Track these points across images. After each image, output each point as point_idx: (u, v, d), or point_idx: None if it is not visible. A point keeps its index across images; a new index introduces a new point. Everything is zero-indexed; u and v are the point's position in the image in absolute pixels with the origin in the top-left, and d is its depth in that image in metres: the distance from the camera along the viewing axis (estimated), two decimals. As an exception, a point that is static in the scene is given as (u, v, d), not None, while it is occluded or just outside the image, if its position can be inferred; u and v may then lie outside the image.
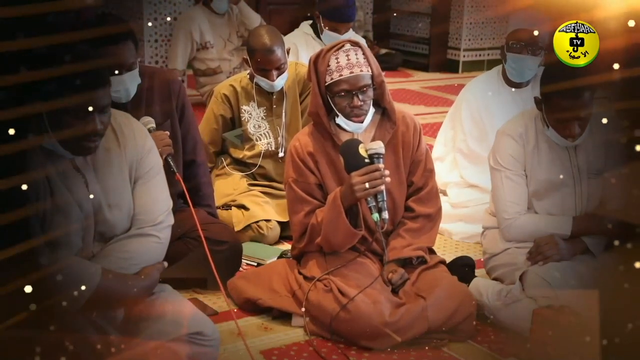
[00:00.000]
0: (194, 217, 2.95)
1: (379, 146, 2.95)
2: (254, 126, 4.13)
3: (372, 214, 2.90)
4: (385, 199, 2.92)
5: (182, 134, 3.41)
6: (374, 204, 2.90)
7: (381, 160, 2.93)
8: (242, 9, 6.32)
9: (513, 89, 4.09)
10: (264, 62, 3.94)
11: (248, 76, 4.16)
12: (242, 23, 6.24)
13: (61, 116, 2.28)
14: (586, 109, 2.97)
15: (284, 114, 4.14)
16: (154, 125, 3.19)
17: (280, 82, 4.01)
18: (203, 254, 2.91)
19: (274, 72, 3.97)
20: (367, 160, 2.93)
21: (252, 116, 4.13)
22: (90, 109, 2.28)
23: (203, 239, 2.92)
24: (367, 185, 2.88)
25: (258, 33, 4.02)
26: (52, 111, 2.26)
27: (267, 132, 4.14)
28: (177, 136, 3.38)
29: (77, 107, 2.27)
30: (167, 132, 3.23)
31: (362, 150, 2.94)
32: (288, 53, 4.07)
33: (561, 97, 2.97)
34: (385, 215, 2.91)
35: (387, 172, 2.91)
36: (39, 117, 2.28)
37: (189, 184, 3.33)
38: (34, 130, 2.29)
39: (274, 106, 4.14)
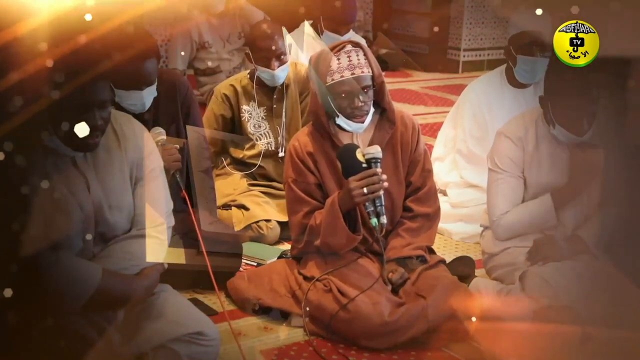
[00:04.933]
0: (193, 219, 2.96)
1: (376, 150, 2.95)
2: (254, 126, 4.14)
3: (370, 218, 2.91)
4: (383, 203, 2.92)
5: (186, 136, 3.41)
6: (372, 208, 2.91)
7: (378, 164, 2.94)
8: (243, 7, 6.31)
9: (516, 90, 4.08)
10: (264, 50, 3.96)
11: (248, 76, 4.17)
12: (247, 21, 6.22)
13: (61, 112, 2.28)
14: (593, 103, 2.97)
15: (284, 113, 4.15)
16: (164, 137, 3.20)
17: (281, 73, 4.02)
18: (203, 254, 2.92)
19: (275, 62, 3.98)
20: (364, 165, 2.93)
21: (252, 116, 4.13)
22: (89, 104, 2.29)
23: (200, 240, 2.93)
24: (365, 190, 2.88)
25: (258, 24, 4.10)
26: (52, 107, 2.26)
27: (267, 131, 4.14)
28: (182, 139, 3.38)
29: (76, 102, 2.27)
30: (177, 147, 3.22)
31: (359, 155, 2.94)
32: (290, 49, 4.08)
33: (568, 92, 2.96)
34: (384, 219, 2.92)
35: (384, 176, 2.91)
36: (39, 114, 2.28)
37: (191, 187, 3.34)
38: (35, 127, 2.29)
39: (274, 106, 4.14)
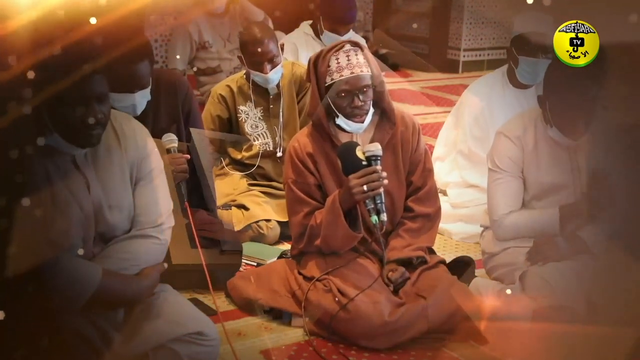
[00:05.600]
0: (190, 219, 2.97)
1: (376, 148, 2.95)
2: (251, 126, 4.14)
3: (370, 216, 2.91)
4: (383, 200, 2.92)
5: (186, 137, 3.41)
6: (372, 206, 2.91)
7: (379, 162, 2.93)
8: (244, 6, 6.31)
9: (518, 90, 4.08)
10: (255, 54, 3.96)
11: (244, 76, 4.17)
12: (246, 20, 6.23)
13: (59, 107, 2.27)
14: (591, 107, 2.98)
15: (281, 113, 4.15)
16: (175, 145, 3.20)
17: (274, 75, 4.02)
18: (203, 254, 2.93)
19: (267, 65, 3.97)
20: (364, 163, 2.93)
21: (249, 116, 4.13)
22: (88, 97, 2.28)
23: (197, 240, 2.94)
24: (365, 187, 2.88)
25: (249, 27, 4.09)
26: (50, 103, 2.26)
27: (265, 132, 4.14)
28: (182, 139, 3.38)
29: (74, 96, 2.27)
30: (187, 157, 3.21)
31: (359, 153, 2.94)
32: (282, 49, 4.08)
33: (566, 94, 2.96)
34: (384, 217, 2.91)
35: (384, 173, 2.91)
36: (38, 112, 2.28)
37: (191, 187, 3.34)
38: (34, 126, 2.29)
39: (271, 106, 4.14)
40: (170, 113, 3.35)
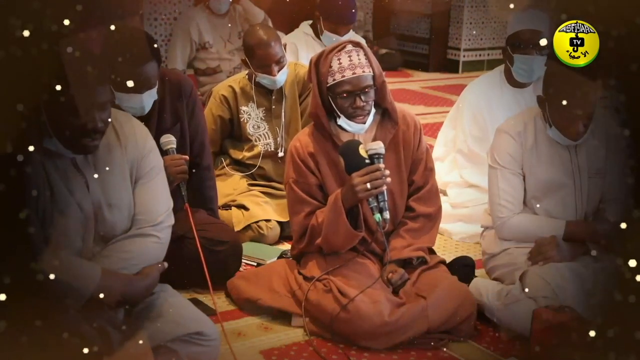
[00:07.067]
0: (190, 219, 2.96)
1: (379, 146, 2.95)
2: (253, 127, 4.13)
3: (373, 214, 2.90)
4: (386, 198, 2.92)
5: (189, 136, 3.40)
6: (375, 204, 2.90)
7: (381, 160, 2.93)
8: (245, 6, 6.32)
9: (515, 89, 4.09)
10: (263, 57, 3.95)
11: (247, 77, 4.16)
12: (246, 20, 6.23)
13: (61, 115, 2.27)
14: (591, 108, 2.98)
15: (283, 114, 4.14)
16: (174, 146, 3.20)
17: (281, 77, 4.01)
18: (203, 254, 2.93)
19: (275, 67, 3.97)
20: (367, 161, 2.93)
21: (251, 117, 4.13)
22: (90, 106, 2.28)
23: (197, 240, 2.94)
24: (368, 185, 2.87)
25: (253, 30, 4.05)
26: (51, 110, 2.26)
27: (267, 132, 4.14)
28: (185, 139, 3.38)
29: (75, 105, 2.26)
30: (186, 158, 3.22)
31: (362, 151, 2.93)
32: (285, 49, 4.08)
33: (566, 95, 2.96)
34: (387, 215, 2.90)
35: (387, 172, 2.91)
36: (38, 116, 2.28)
37: (193, 187, 3.34)
38: (34, 129, 2.29)
39: (273, 106, 4.13)
40: (175, 112, 3.35)
